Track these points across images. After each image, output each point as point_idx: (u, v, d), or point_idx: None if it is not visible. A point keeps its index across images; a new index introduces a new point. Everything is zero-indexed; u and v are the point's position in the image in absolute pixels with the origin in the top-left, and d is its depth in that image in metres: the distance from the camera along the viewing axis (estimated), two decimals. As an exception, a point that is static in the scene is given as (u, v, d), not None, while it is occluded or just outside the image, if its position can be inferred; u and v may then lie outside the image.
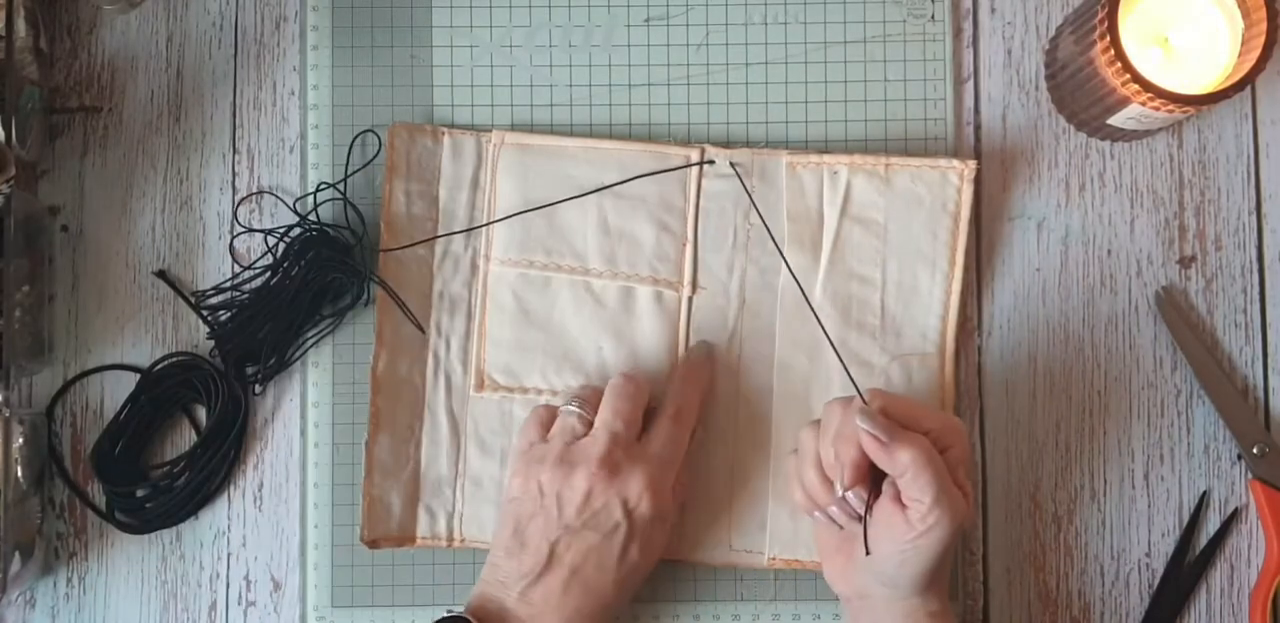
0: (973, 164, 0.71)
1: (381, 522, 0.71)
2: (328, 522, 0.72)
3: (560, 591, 0.64)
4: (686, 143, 0.73)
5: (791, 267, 0.71)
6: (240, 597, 0.72)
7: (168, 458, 0.73)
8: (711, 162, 0.72)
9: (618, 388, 0.67)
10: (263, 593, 0.72)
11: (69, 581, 0.72)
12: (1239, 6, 0.67)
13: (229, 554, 0.72)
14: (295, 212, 0.73)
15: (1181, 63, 0.68)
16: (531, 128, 0.73)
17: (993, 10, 0.75)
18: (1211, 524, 0.72)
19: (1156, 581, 0.72)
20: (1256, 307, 0.73)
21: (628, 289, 0.72)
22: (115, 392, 0.73)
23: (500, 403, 0.72)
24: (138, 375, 0.72)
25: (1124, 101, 0.67)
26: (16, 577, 0.68)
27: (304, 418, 0.72)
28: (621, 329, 0.72)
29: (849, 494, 0.62)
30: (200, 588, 0.72)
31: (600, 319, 0.72)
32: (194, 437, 0.73)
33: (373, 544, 0.70)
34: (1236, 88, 0.65)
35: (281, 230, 0.72)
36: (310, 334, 0.72)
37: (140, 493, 0.72)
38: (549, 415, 0.68)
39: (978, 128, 0.74)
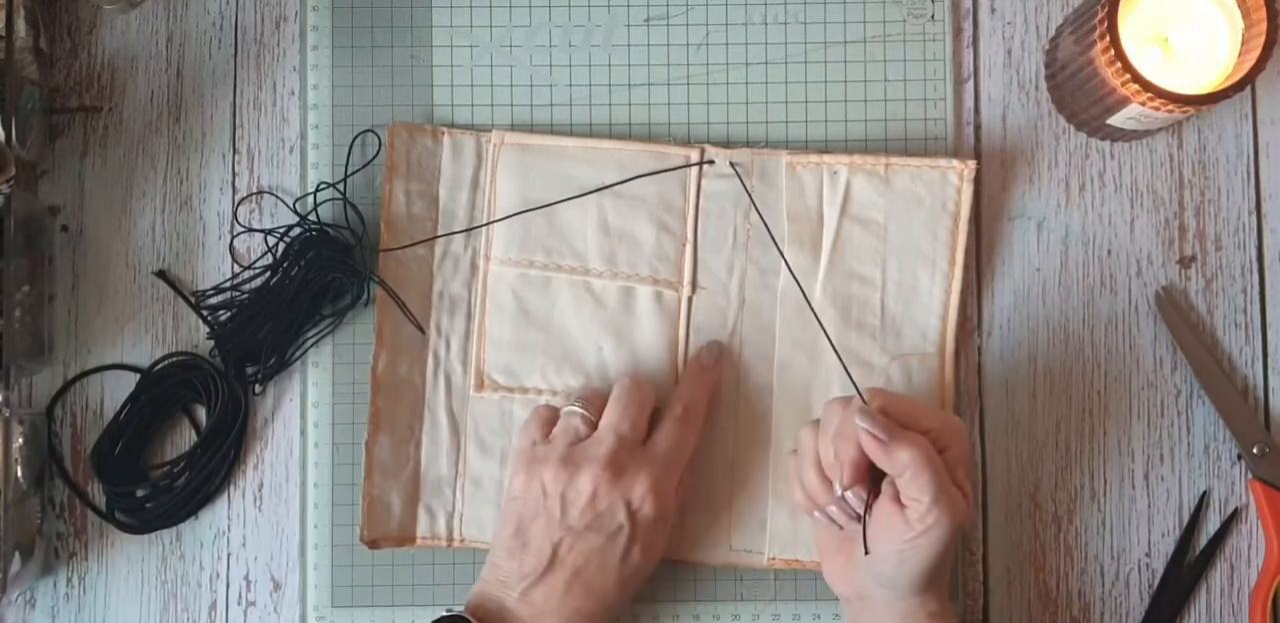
0: (972, 164, 0.71)
1: (381, 522, 0.71)
2: (328, 522, 0.72)
3: (561, 591, 0.64)
4: (686, 143, 0.73)
5: (791, 267, 0.71)
6: (240, 597, 0.72)
7: (168, 458, 0.73)
8: (711, 162, 0.72)
9: (625, 390, 0.67)
10: (263, 593, 0.72)
11: (69, 581, 0.72)
12: (1239, 6, 0.67)
13: (229, 554, 0.72)
14: (295, 212, 0.73)
15: (1181, 63, 0.68)
16: (531, 128, 0.73)
17: (993, 10, 0.75)
18: (1211, 524, 0.72)
19: (1156, 581, 0.72)
20: (1256, 307, 0.73)
21: (628, 289, 0.72)
22: (115, 392, 0.73)
23: (500, 403, 0.72)
24: (138, 375, 0.72)
25: (1124, 101, 0.67)
26: (16, 577, 0.68)
27: (304, 418, 0.73)
28: (621, 329, 0.72)
29: (848, 494, 0.62)
30: (200, 588, 0.72)
31: (600, 319, 0.72)
32: (194, 437, 0.73)
33: (373, 544, 0.70)
34: (1236, 88, 0.65)
35: (281, 230, 0.72)
36: (310, 334, 0.72)
37: (140, 493, 0.72)
38: (551, 415, 0.68)
39: (978, 128, 0.74)
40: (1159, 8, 0.69)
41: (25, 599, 0.72)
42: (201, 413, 0.73)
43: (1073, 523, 0.72)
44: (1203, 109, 0.69)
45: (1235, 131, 0.74)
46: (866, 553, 0.62)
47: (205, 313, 0.72)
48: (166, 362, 0.72)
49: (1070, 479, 0.72)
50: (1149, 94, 0.65)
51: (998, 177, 0.74)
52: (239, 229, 0.74)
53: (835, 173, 0.72)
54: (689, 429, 0.68)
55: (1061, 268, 0.74)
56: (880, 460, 0.60)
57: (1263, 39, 0.65)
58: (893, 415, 0.61)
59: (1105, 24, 0.65)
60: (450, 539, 0.71)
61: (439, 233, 0.72)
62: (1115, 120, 0.69)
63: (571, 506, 0.65)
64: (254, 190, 0.74)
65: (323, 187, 0.73)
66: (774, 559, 0.71)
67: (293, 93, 0.74)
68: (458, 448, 0.72)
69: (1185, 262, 0.74)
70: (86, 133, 0.74)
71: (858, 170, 0.72)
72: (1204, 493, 0.72)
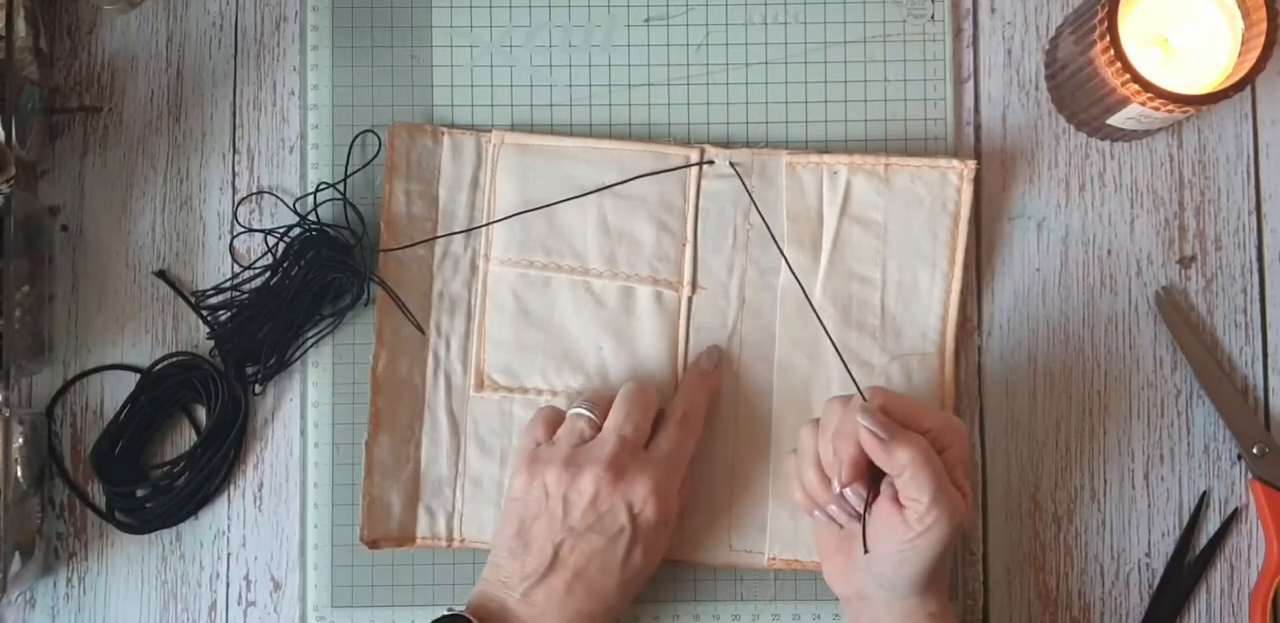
0: (972, 164, 0.71)
1: (381, 522, 0.71)
2: (328, 522, 0.72)
3: (563, 592, 0.64)
4: (686, 143, 0.73)
5: (792, 266, 0.71)
6: (240, 597, 0.72)
7: (168, 458, 0.73)
8: (711, 162, 0.72)
9: (630, 393, 0.67)
10: (263, 593, 0.72)
11: (69, 581, 0.72)
12: (1239, 6, 0.67)
13: (229, 554, 0.72)
14: (295, 212, 0.73)
15: (1181, 63, 0.68)
16: (531, 128, 0.73)
17: (993, 10, 0.75)
18: (1211, 524, 0.72)
19: (1156, 581, 0.72)
20: (1256, 307, 0.73)
21: (628, 289, 0.72)
22: (115, 392, 0.73)
23: (500, 403, 0.72)
24: (138, 375, 0.72)
25: (1124, 101, 0.67)
26: (16, 577, 0.68)
27: (304, 418, 0.73)
28: (621, 329, 0.72)
29: (847, 492, 0.62)
30: (200, 588, 0.72)
31: (600, 319, 0.72)
32: (194, 437, 0.73)
33: (373, 544, 0.70)
34: (1236, 88, 0.65)
35: (281, 230, 0.72)
36: (310, 334, 0.72)
37: (140, 493, 0.72)
38: (555, 417, 0.68)
39: (978, 128, 0.74)
40: (1159, 8, 0.69)
41: (25, 599, 0.72)
42: (201, 413, 0.73)
43: (1073, 523, 0.72)
44: (1203, 109, 0.69)
45: (1235, 131, 0.74)
46: (866, 552, 0.62)
47: (205, 313, 0.72)
48: (166, 362, 0.72)
49: (1070, 479, 0.72)
50: (1149, 94, 0.65)
51: (998, 177, 0.74)
52: (239, 229, 0.74)
53: (835, 173, 0.72)
54: (689, 433, 0.68)
55: (1061, 268, 0.74)
56: (879, 459, 0.60)
57: (1263, 39, 0.65)
58: (893, 415, 0.61)
59: (1105, 24, 0.65)
60: (450, 539, 0.71)
61: (439, 233, 0.72)
62: (1115, 120, 0.69)
63: (573, 506, 0.65)
64: (254, 190, 0.74)
65: (323, 187, 0.73)
66: (774, 559, 0.71)
67: (293, 93, 0.74)
68: (458, 448, 0.72)
69: (1185, 262, 0.74)
70: (86, 133, 0.74)
71: (858, 170, 0.72)
72: (1204, 493, 0.72)
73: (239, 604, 0.72)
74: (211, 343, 0.72)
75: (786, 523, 0.71)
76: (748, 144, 0.73)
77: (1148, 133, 0.73)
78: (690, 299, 0.72)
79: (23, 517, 0.69)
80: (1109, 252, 0.74)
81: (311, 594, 0.72)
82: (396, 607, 0.71)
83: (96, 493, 0.72)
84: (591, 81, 0.74)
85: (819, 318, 0.70)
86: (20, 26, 0.70)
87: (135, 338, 0.73)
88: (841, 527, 0.65)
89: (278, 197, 0.74)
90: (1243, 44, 0.67)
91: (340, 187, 0.72)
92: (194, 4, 0.75)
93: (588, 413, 0.67)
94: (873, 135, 0.73)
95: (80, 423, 0.73)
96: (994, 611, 0.72)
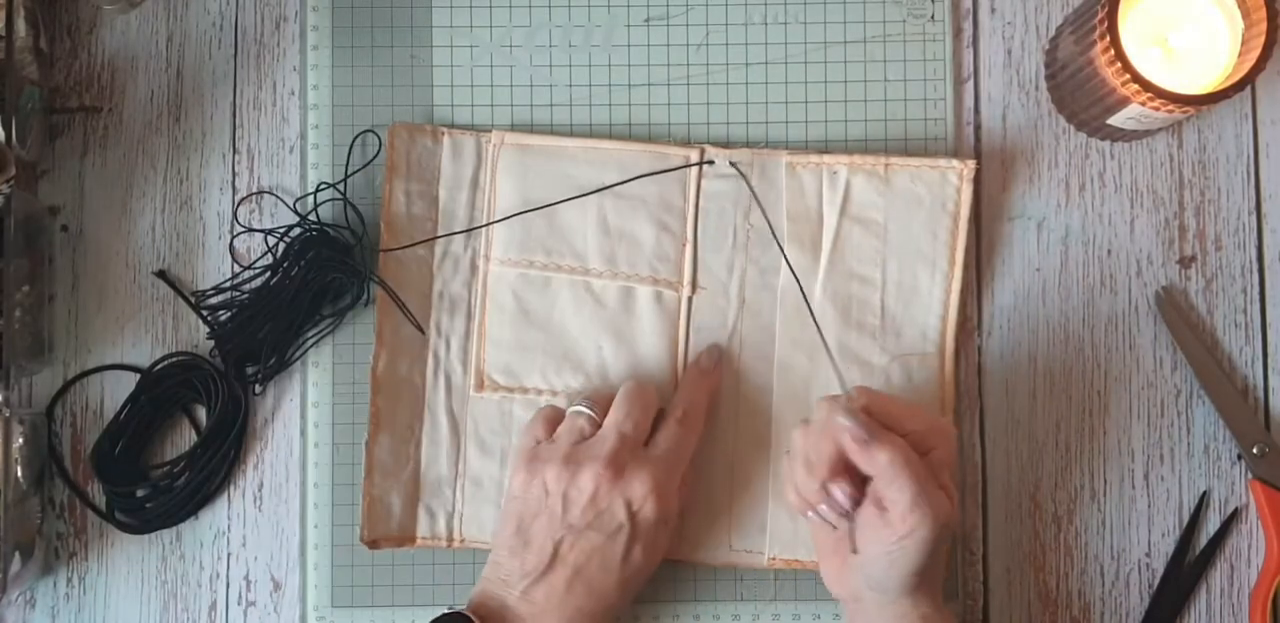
0: (972, 164, 0.71)
1: (381, 522, 0.71)
2: (328, 522, 0.72)
3: (563, 590, 0.64)
4: (686, 143, 0.73)
5: (792, 266, 0.71)
6: (240, 597, 0.72)
7: (168, 458, 0.73)
8: (711, 162, 0.72)
9: (630, 392, 0.67)
10: (263, 593, 0.72)
11: (69, 581, 0.72)
12: (1239, 6, 0.67)
13: (229, 554, 0.72)
14: (295, 212, 0.73)
15: (1181, 63, 0.68)
16: (531, 128, 0.73)
17: (993, 10, 0.75)
18: (1211, 524, 0.72)
19: (1156, 581, 0.72)
20: (1256, 307, 0.73)
21: (628, 289, 0.72)
22: (115, 392, 0.73)
23: (500, 403, 0.72)
24: (138, 375, 0.72)
25: (1124, 101, 0.67)
26: (16, 577, 0.68)
27: (304, 418, 0.73)
28: (621, 329, 0.72)
29: (835, 492, 0.62)
30: (200, 588, 0.72)
31: (600, 319, 0.72)
32: (194, 437, 0.73)
33: (373, 544, 0.70)
34: (1236, 88, 0.65)
35: (281, 230, 0.72)
36: (310, 334, 0.72)
37: (140, 493, 0.72)
38: (555, 415, 0.69)
39: (978, 128, 0.74)
40: (1159, 8, 0.69)
41: (25, 599, 0.72)
42: (201, 413, 0.73)
43: (1073, 523, 0.72)
44: (1203, 109, 0.69)
45: (1235, 131, 0.74)
46: (854, 552, 0.62)
47: (205, 313, 0.72)
48: (166, 362, 0.72)
49: (1070, 479, 0.72)
50: (1149, 94, 0.65)
51: (998, 177, 0.74)
52: (239, 229, 0.74)
53: (835, 173, 0.72)
54: (688, 432, 0.68)
55: (1061, 268, 0.74)
56: (858, 460, 0.61)
57: (1263, 39, 0.65)
58: (877, 415, 0.61)
59: (1105, 24, 0.65)
60: (450, 539, 0.71)
61: (439, 233, 0.72)
62: (1115, 120, 0.70)
63: (573, 504, 0.65)
64: (254, 190, 0.74)
65: (323, 187, 0.73)
66: (774, 559, 0.71)
67: (293, 93, 0.74)
68: (458, 448, 0.72)
69: (1185, 262, 0.74)
70: (86, 133, 0.74)
71: (858, 170, 0.72)
72: (1204, 493, 0.72)
73: (239, 604, 0.72)
74: (211, 343, 0.72)
75: (786, 523, 0.71)
76: (748, 144, 0.73)
77: (1148, 133, 0.73)
78: (690, 299, 0.72)
79: (23, 517, 0.69)
80: (1109, 252, 0.74)
81: (311, 594, 0.72)
82: (396, 607, 0.71)
83: (96, 493, 0.72)
84: (591, 81, 0.74)
85: (813, 316, 0.70)
86: (20, 26, 0.70)
87: (135, 338, 0.73)
88: (835, 527, 0.65)
89: (278, 196, 0.74)
90: (1243, 44, 0.67)
91: (340, 187, 0.72)
92: (194, 4, 0.75)
93: (587, 411, 0.67)
94: (873, 135, 0.73)
95: (80, 423, 0.73)
96: (994, 611, 0.72)
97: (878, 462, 0.60)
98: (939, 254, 0.71)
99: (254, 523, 0.73)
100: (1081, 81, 0.70)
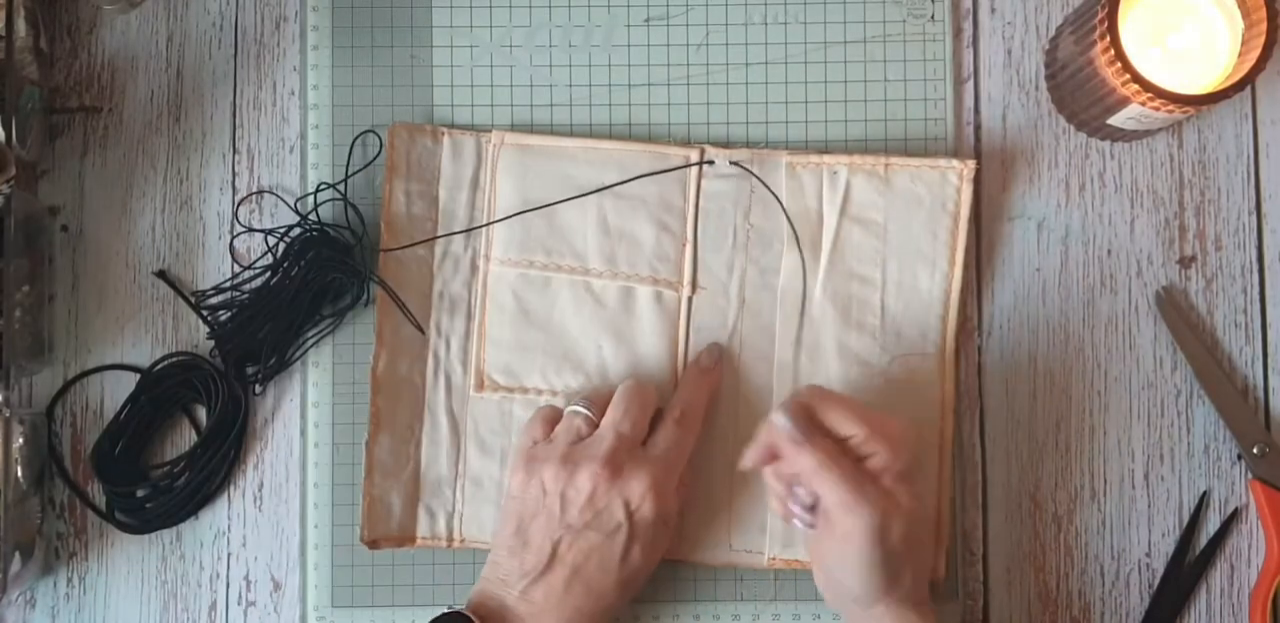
0: (972, 164, 0.71)
1: (381, 522, 0.71)
2: (328, 522, 0.72)
3: (562, 590, 0.64)
4: (686, 143, 0.73)
5: (792, 266, 0.71)
6: (240, 597, 0.72)
7: (168, 458, 0.73)
8: (711, 162, 0.72)
9: (628, 391, 0.67)
10: (263, 593, 0.72)
11: (69, 581, 0.72)
12: (1239, 6, 0.67)
13: (229, 554, 0.72)
14: (295, 212, 0.73)
15: (1181, 63, 0.68)
16: (531, 128, 0.73)
17: (993, 10, 0.75)
18: (1211, 524, 0.72)
19: (1156, 581, 0.72)
20: (1256, 307, 0.73)
21: (628, 289, 0.72)
22: (115, 392, 0.73)
23: (500, 403, 0.72)
24: (138, 375, 0.72)
25: (1124, 101, 0.67)
26: (16, 577, 0.68)
27: (304, 418, 0.73)
28: (621, 329, 0.72)
29: (798, 491, 0.62)
30: (200, 588, 0.72)
31: (600, 319, 0.72)
32: (194, 437, 0.73)
33: (373, 544, 0.70)
34: (1236, 88, 0.65)
35: (281, 230, 0.72)
36: (310, 334, 0.72)
37: (140, 493, 0.72)
38: (554, 415, 0.69)
39: (978, 128, 0.74)
40: (1159, 8, 0.69)
41: (25, 599, 0.72)
42: (201, 413, 0.73)
43: (1073, 523, 0.72)
44: (1203, 109, 0.69)
45: (1235, 131, 0.74)
46: (809, 551, 0.63)
47: (205, 313, 0.72)
48: (166, 362, 0.72)
49: (1070, 479, 0.72)
50: (1149, 94, 0.65)
51: (998, 177, 0.74)
52: (239, 229, 0.74)
53: (835, 173, 0.72)
54: (687, 431, 0.68)
55: (1061, 268, 0.74)
56: (789, 462, 0.61)
57: (1263, 39, 0.65)
58: (817, 416, 0.61)
59: (1105, 24, 0.65)
60: (450, 539, 0.71)
61: (439, 233, 0.72)
62: (1115, 120, 0.69)
63: (571, 504, 0.65)
64: (254, 190, 0.74)
65: (323, 187, 0.73)
66: (774, 559, 0.71)
67: (293, 93, 0.74)
68: (458, 448, 0.72)
69: (1185, 262, 0.74)
70: (86, 133, 0.74)
71: (857, 170, 0.72)
72: (1204, 493, 0.72)
73: (239, 604, 0.72)
74: (211, 343, 0.72)
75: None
76: (748, 144, 0.73)
77: (1148, 133, 0.73)
78: (690, 299, 0.72)
79: (23, 517, 0.69)
80: (1109, 252, 0.74)
81: (311, 594, 0.72)
82: (396, 607, 0.71)
83: (96, 493, 0.72)
84: (591, 81, 0.74)
85: (808, 317, 0.70)
86: (20, 26, 0.70)
87: (135, 338, 0.73)
88: (812, 530, 0.65)
89: (278, 196, 0.74)
90: (1243, 44, 0.67)
91: (340, 187, 0.72)
92: (194, 4, 0.75)
93: (585, 410, 0.67)
94: (873, 135, 0.73)
95: (80, 423, 0.73)
96: (994, 611, 0.72)
97: (798, 464, 0.60)
98: (939, 254, 0.71)
99: (254, 523, 0.73)
100: (1081, 81, 0.70)
